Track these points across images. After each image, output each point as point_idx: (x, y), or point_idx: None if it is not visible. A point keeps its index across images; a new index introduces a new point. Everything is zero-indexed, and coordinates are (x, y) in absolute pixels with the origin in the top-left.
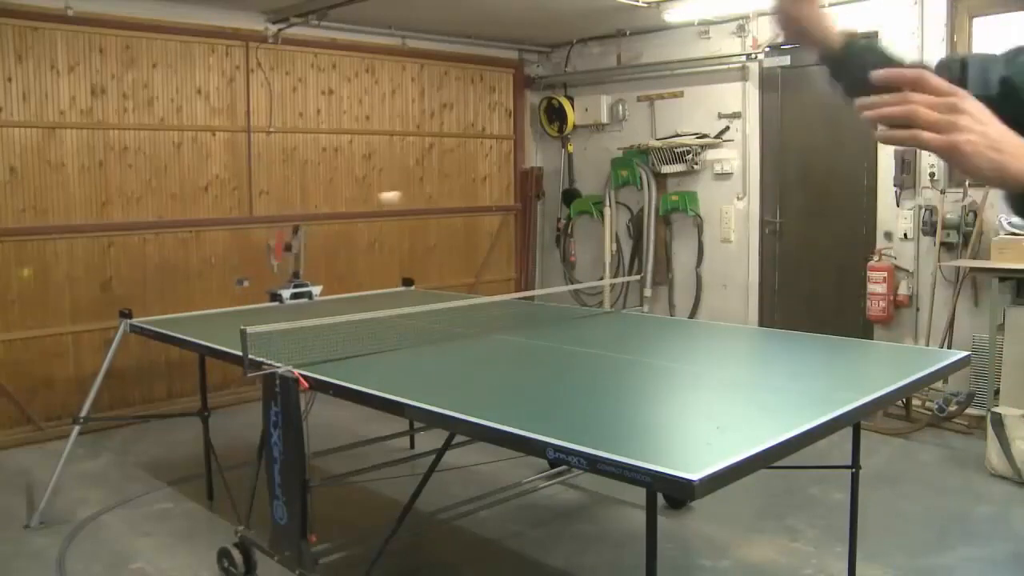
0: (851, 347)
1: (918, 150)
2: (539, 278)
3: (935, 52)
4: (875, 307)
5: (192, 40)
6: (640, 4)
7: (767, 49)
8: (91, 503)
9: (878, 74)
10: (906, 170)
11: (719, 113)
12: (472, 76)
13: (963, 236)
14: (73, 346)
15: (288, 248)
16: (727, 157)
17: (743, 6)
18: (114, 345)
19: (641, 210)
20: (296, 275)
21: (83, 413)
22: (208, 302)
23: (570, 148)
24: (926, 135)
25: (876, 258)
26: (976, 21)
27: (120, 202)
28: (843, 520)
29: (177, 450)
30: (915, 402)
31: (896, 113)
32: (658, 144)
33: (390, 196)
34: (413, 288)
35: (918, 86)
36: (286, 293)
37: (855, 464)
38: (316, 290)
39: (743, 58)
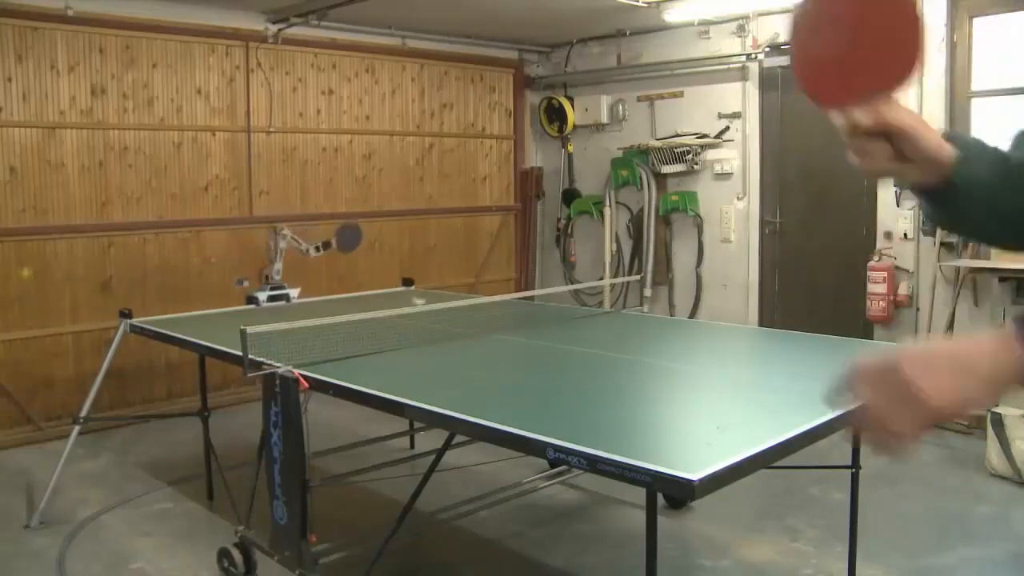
0: (851, 347)
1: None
2: (539, 278)
3: (935, 52)
4: (875, 307)
5: (192, 40)
6: (640, 4)
7: (767, 49)
8: (91, 503)
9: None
10: None
11: (719, 113)
12: (472, 76)
13: None
14: (73, 346)
15: (327, 245)
16: (727, 157)
17: (743, 6)
18: (114, 345)
19: (641, 210)
20: (276, 276)
21: (83, 413)
22: (208, 302)
23: (570, 148)
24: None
25: (876, 258)
26: (976, 21)
27: (120, 202)
28: (843, 520)
29: (177, 450)
30: None
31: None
32: (658, 144)
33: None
34: (413, 288)
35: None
36: (262, 296)
37: (855, 464)
38: (294, 292)
39: (743, 58)
